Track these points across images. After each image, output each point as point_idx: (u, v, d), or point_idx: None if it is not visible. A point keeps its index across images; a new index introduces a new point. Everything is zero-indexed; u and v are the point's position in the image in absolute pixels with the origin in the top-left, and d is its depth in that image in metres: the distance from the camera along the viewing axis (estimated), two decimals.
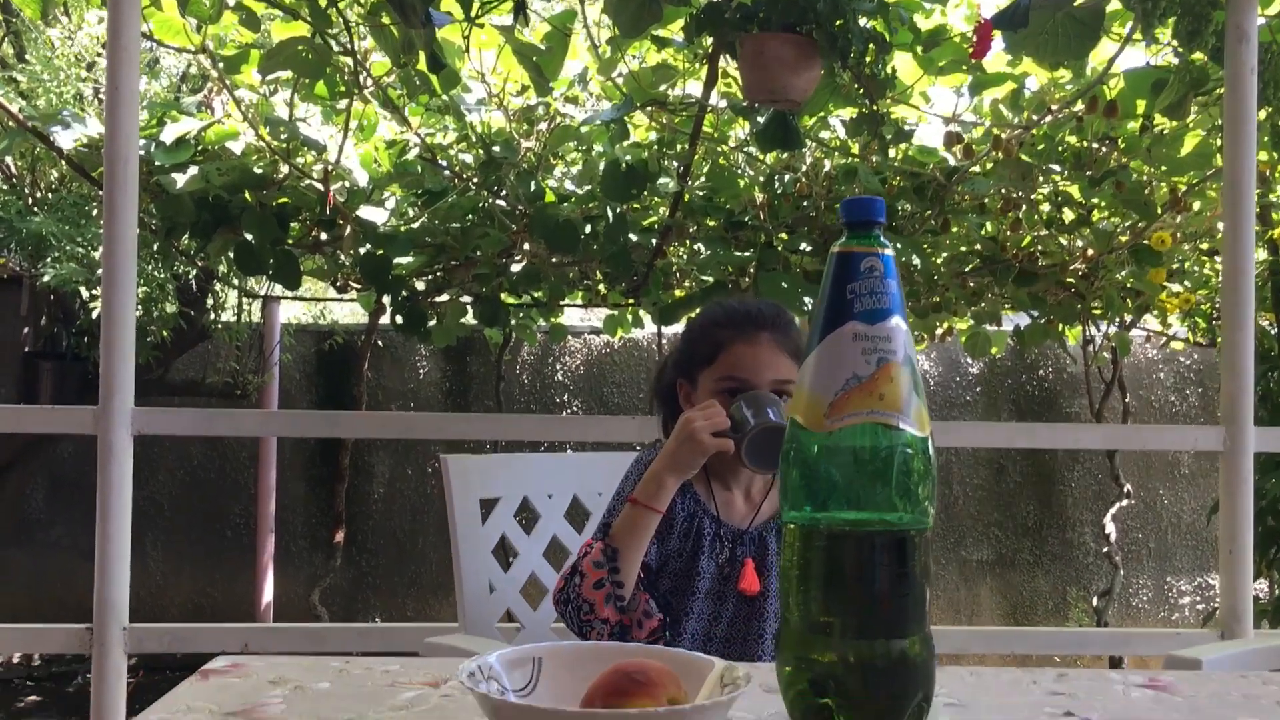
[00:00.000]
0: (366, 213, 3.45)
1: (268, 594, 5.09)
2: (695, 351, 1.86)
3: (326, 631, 2.89)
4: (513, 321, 4.51)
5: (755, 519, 1.84)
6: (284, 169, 3.41)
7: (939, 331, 4.44)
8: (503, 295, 4.12)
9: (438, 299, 4.21)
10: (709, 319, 1.89)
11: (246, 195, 3.44)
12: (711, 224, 3.65)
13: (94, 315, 4.17)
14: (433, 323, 4.18)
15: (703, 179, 3.63)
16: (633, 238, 3.58)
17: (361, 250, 3.65)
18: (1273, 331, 4.01)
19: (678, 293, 4.14)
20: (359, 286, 4.39)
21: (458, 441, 4.67)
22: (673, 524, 1.80)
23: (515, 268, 3.81)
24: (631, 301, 4.25)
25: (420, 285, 4.10)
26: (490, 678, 0.93)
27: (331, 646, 2.68)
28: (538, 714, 0.84)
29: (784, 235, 3.62)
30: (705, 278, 3.86)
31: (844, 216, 1.04)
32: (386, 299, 4.06)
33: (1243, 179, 2.70)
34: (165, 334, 4.35)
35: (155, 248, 3.96)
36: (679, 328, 4.41)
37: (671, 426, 1.78)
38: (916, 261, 3.46)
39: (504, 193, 3.51)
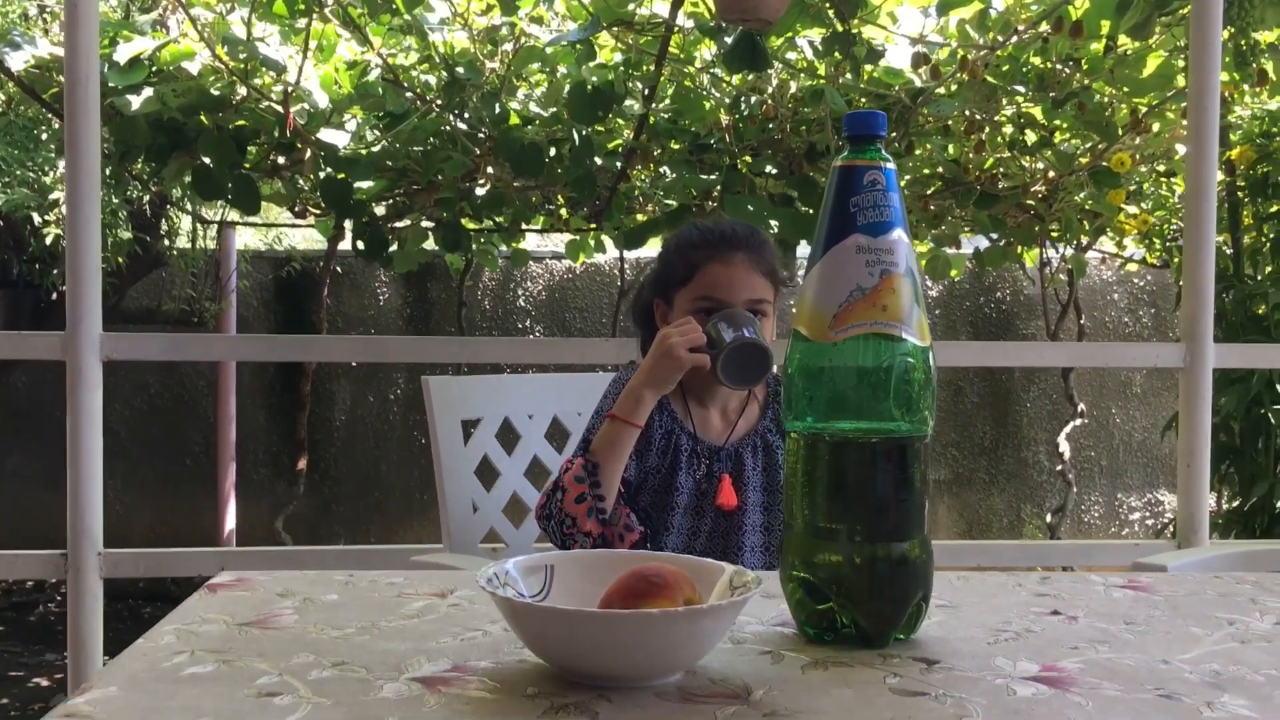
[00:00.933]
0: (327, 135, 3.39)
1: (230, 522, 5.08)
2: (671, 272, 1.88)
3: (305, 555, 2.90)
4: (474, 247, 4.48)
5: (731, 436, 1.87)
6: (242, 90, 3.34)
7: None
8: (464, 220, 4.09)
9: (398, 224, 4.17)
10: (684, 240, 1.90)
11: (203, 118, 3.37)
12: (676, 147, 3.63)
13: (46, 241, 4.09)
14: (394, 248, 4.14)
15: (667, 101, 3.61)
16: (597, 161, 3.56)
17: (322, 174, 3.60)
18: (1228, 251, 4.09)
19: (640, 217, 4.13)
20: (318, 212, 4.34)
21: (418, 369, 4.67)
22: (651, 441, 1.82)
23: (479, 191, 3.78)
24: (594, 226, 4.23)
25: (380, 210, 4.06)
26: (506, 583, 0.95)
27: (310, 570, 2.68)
28: (560, 615, 0.86)
29: (749, 158, 3.61)
30: (669, 202, 3.85)
31: (846, 130, 1.05)
32: (348, 224, 4.01)
33: (1207, 98, 2.73)
34: (120, 261, 4.28)
35: (108, 172, 3.88)
36: (641, 252, 4.41)
37: (649, 347, 1.80)
38: None
39: (467, 115, 3.47)
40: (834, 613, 1.00)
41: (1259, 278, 4.09)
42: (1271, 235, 4.02)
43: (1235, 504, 4.05)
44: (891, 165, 1.04)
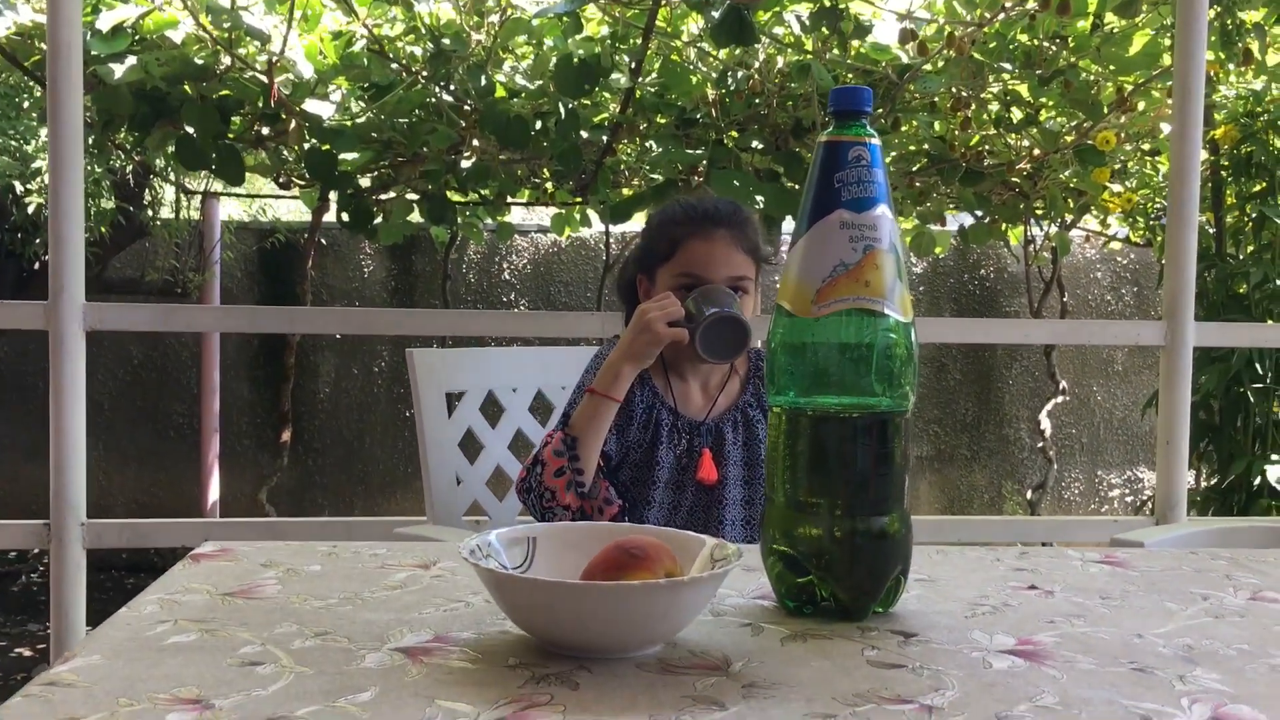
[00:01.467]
0: (311, 106, 3.38)
1: (213, 493, 5.08)
2: (654, 248, 1.89)
3: (289, 526, 2.90)
4: (459, 220, 4.47)
5: (712, 410, 1.88)
6: (226, 60, 3.32)
7: None
8: (449, 193, 4.08)
9: (383, 196, 4.15)
10: (668, 216, 1.91)
11: (187, 87, 3.35)
12: (662, 121, 3.62)
13: (29, 211, 4.06)
14: (378, 220, 4.13)
15: (654, 75, 3.60)
16: (583, 134, 3.55)
17: (306, 145, 3.58)
18: (1210, 230, 4.10)
19: (626, 191, 4.12)
20: (302, 183, 4.32)
21: (402, 342, 4.66)
22: (632, 416, 1.83)
23: (464, 164, 3.76)
24: (579, 200, 4.22)
25: (365, 182, 4.04)
26: (489, 555, 0.95)
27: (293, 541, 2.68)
28: (542, 587, 0.87)
29: (735, 133, 3.60)
30: (654, 176, 3.85)
31: (831, 106, 1.05)
32: (332, 195, 3.99)
33: (1192, 78, 2.74)
34: (103, 230, 4.26)
35: (91, 141, 3.85)
36: (627, 227, 4.40)
37: None
38: None
39: (453, 87, 3.45)
40: (814, 586, 1.01)
41: (1241, 257, 4.11)
42: (1254, 215, 4.04)
43: (1214, 481, 4.08)
44: (876, 141, 1.04)
